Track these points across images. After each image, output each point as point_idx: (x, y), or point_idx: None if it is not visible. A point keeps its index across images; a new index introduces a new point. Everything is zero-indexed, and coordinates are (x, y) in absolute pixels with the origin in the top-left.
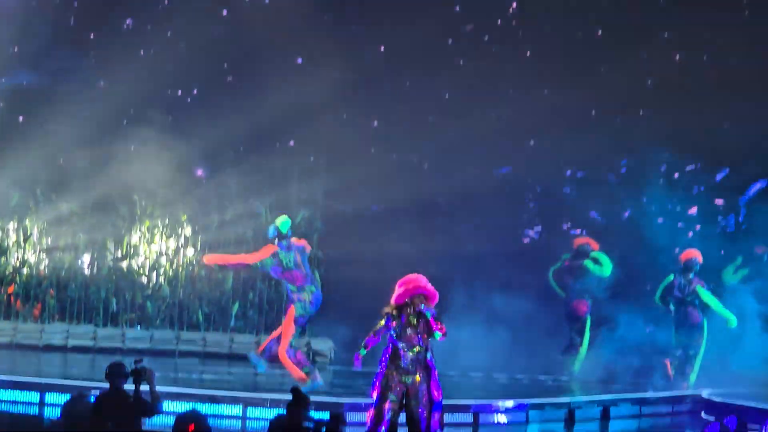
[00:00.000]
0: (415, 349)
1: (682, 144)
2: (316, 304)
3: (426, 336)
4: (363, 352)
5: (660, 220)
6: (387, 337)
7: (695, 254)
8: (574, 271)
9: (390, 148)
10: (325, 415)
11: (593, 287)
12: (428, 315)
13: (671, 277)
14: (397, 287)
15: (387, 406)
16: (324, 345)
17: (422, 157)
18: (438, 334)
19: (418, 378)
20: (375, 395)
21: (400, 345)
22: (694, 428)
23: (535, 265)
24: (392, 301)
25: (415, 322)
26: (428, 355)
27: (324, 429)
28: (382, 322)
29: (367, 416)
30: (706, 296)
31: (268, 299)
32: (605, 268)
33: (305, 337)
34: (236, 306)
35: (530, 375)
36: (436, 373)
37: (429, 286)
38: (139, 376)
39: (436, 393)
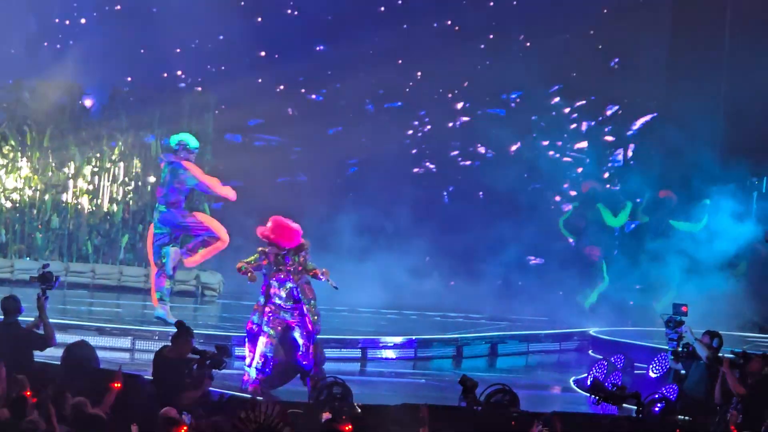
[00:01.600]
0: (287, 286)
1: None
2: (163, 222)
3: (297, 273)
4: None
5: (551, 153)
6: (262, 275)
7: None
8: (585, 216)
9: (278, 78)
10: (212, 348)
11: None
12: (309, 266)
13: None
14: (263, 227)
15: (265, 340)
16: (213, 278)
17: (310, 86)
18: (321, 278)
19: (295, 314)
20: (253, 330)
21: (273, 282)
22: (581, 365)
23: (428, 199)
24: (259, 232)
25: (282, 261)
26: (300, 291)
27: (208, 361)
28: (255, 256)
29: (246, 350)
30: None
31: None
32: (619, 218)
33: (194, 270)
34: (125, 238)
35: (420, 312)
36: (308, 308)
37: (289, 227)
38: (49, 280)
39: (310, 326)
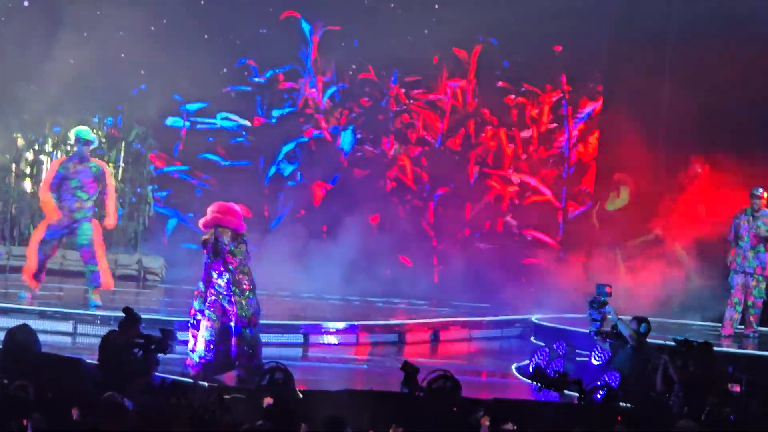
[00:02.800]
0: (225, 275)
1: None
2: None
3: (234, 262)
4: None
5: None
6: (203, 263)
7: None
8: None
9: (221, 60)
10: (156, 332)
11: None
12: (222, 246)
13: None
14: (208, 212)
15: (207, 324)
16: (155, 263)
17: (254, 69)
18: (230, 268)
19: (232, 299)
20: (193, 314)
21: (213, 269)
22: (524, 352)
23: (370, 183)
24: (200, 225)
25: (220, 249)
26: (239, 278)
27: (153, 346)
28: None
29: (189, 335)
30: None
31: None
32: (618, 201)
33: (136, 254)
34: None
35: (362, 297)
36: (237, 299)
37: (235, 219)
38: None
39: (234, 318)
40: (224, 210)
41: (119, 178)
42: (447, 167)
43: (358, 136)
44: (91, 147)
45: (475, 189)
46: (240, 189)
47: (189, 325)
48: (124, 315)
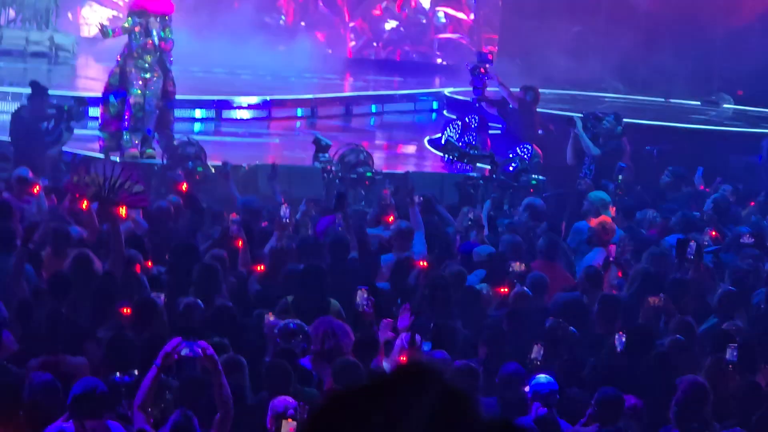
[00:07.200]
0: (156, 53)
1: None
2: None
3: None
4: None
5: None
6: (127, 37)
7: None
8: None
9: None
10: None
11: None
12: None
13: None
14: None
15: (130, 100)
16: (66, 39)
17: None
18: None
19: (156, 74)
20: (107, 90)
21: (137, 46)
22: (437, 124)
23: None
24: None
25: (154, 33)
26: (166, 57)
27: (65, 115)
28: (128, 22)
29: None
30: None
31: None
32: None
33: (47, 30)
34: None
35: (273, 72)
36: (172, 73)
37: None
38: None
39: (171, 88)
40: None
41: None
42: None
43: None
44: None
45: None
46: None
47: (100, 100)
48: (31, 89)
